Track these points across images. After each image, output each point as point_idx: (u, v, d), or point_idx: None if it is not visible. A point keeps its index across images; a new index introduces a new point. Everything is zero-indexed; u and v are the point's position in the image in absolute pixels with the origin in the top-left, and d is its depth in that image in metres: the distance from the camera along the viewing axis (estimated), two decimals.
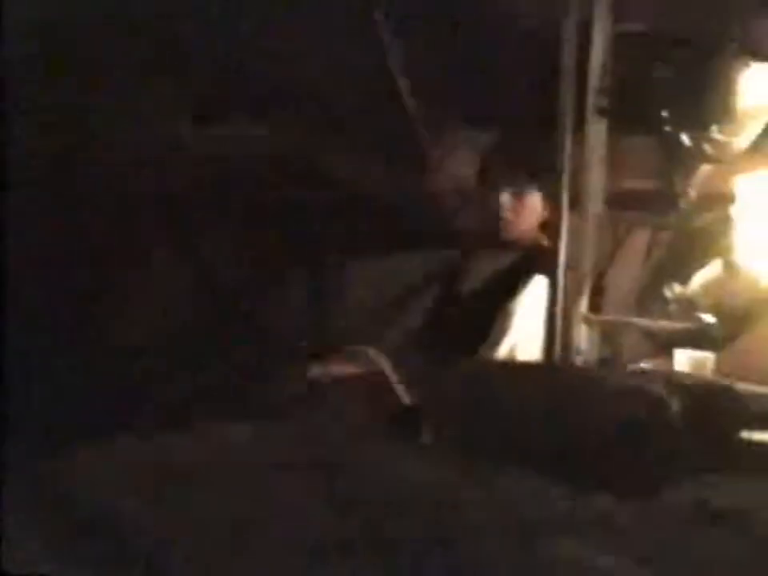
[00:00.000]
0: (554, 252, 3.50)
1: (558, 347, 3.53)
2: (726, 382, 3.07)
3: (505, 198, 3.43)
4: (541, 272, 3.34)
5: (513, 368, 2.92)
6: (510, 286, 3.32)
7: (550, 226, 3.46)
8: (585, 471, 1.88)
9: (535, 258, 3.41)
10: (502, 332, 3.25)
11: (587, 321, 3.65)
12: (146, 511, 1.19)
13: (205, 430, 1.73)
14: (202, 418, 1.88)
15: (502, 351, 3.23)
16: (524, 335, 3.29)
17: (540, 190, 3.46)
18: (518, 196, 3.45)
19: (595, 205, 3.74)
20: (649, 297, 3.82)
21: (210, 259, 4.57)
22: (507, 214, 3.43)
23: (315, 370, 2.11)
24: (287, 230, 4.07)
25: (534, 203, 3.46)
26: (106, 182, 3.52)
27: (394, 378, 1.73)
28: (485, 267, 3.48)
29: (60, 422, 2.59)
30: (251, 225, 4.13)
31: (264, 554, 1.14)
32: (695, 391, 2.71)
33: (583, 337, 3.63)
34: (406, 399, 1.71)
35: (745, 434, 2.56)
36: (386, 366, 1.77)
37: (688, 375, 3.22)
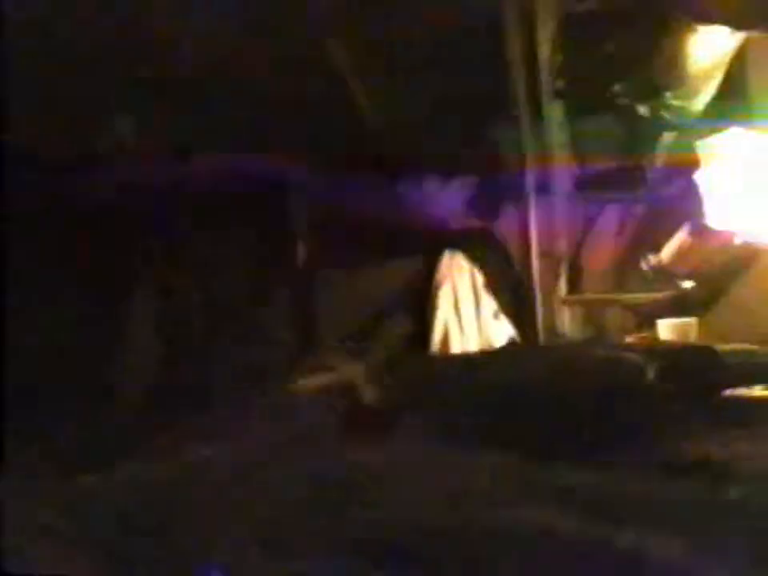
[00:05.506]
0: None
1: (540, 331, 3.53)
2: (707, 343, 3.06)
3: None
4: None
5: (480, 355, 2.93)
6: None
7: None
8: (563, 444, 1.88)
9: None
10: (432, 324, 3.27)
11: (566, 302, 3.64)
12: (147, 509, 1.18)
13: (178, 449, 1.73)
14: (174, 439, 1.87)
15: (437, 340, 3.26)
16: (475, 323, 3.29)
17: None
18: None
19: (562, 187, 3.73)
20: (627, 271, 3.81)
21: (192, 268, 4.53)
22: None
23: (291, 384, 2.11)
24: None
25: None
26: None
27: (362, 381, 1.73)
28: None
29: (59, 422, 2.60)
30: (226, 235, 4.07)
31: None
32: (675, 354, 2.70)
33: (565, 319, 3.62)
34: (375, 401, 1.71)
35: (727, 392, 2.55)
36: (355, 371, 1.76)
37: (669, 342, 3.21)
